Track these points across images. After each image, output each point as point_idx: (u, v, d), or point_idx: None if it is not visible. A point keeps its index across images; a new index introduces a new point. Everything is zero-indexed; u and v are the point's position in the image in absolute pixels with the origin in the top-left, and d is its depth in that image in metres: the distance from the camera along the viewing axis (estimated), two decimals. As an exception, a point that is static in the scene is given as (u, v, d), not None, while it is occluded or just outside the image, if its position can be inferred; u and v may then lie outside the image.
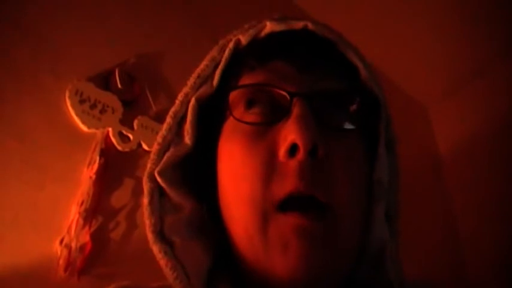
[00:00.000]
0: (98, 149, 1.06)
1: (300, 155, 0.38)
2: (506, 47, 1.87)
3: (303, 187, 0.37)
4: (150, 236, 0.43)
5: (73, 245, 0.95)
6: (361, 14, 1.78)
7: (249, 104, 0.43)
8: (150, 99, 1.20)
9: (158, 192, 0.45)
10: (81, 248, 0.96)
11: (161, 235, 0.43)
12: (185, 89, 0.48)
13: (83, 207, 0.98)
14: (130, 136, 1.14)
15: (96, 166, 1.03)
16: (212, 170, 0.45)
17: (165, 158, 0.45)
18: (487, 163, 1.87)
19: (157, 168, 0.45)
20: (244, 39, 0.47)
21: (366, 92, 0.46)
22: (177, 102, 0.48)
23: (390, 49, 1.90)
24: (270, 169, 0.39)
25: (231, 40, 0.48)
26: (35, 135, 1.00)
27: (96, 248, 0.98)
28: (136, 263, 1.01)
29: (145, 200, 0.44)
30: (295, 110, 0.39)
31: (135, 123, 1.16)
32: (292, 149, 0.38)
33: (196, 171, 0.47)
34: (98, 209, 1.02)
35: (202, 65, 0.48)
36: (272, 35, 0.46)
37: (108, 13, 1.23)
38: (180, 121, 0.47)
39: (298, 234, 0.37)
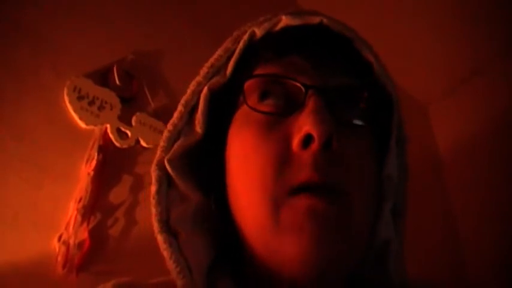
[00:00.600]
0: (96, 146, 1.06)
1: (315, 145, 0.37)
2: (505, 46, 1.87)
3: (317, 178, 0.37)
4: (155, 225, 0.42)
5: (71, 241, 0.94)
6: (361, 13, 1.77)
7: (263, 96, 0.43)
8: (149, 96, 1.20)
9: (166, 182, 0.45)
10: (80, 245, 0.96)
11: (167, 225, 0.42)
12: (197, 78, 0.48)
13: (81, 203, 0.98)
14: (129, 133, 1.14)
15: (94, 163, 1.03)
16: (221, 159, 0.45)
17: (175, 146, 0.45)
18: (487, 162, 1.87)
19: (168, 156, 0.45)
20: (259, 32, 0.47)
21: (379, 89, 0.46)
22: (189, 91, 0.48)
23: (390, 47, 1.89)
24: (283, 159, 0.39)
25: (245, 32, 0.48)
26: (33, 133, 1.00)
27: (95, 244, 0.98)
28: (135, 260, 1.01)
29: (153, 188, 0.44)
30: (310, 103, 0.39)
31: (133, 120, 1.15)
32: (307, 140, 0.38)
33: (204, 162, 0.47)
34: (96, 206, 1.02)
35: (216, 55, 0.48)
36: (287, 29, 0.46)
37: (107, 10, 1.23)
38: (191, 110, 0.47)
39: (312, 216, 0.36)
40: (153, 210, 0.43)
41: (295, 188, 0.38)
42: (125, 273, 0.99)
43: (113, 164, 1.08)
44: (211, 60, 0.48)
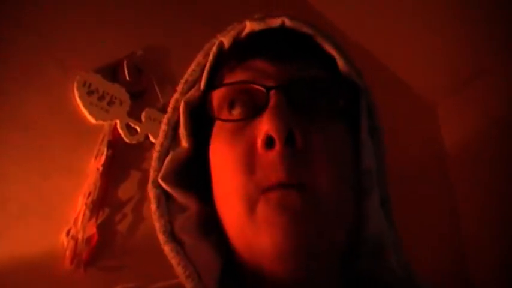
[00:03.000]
0: (105, 141, 1.05)
1: (277, 145, 0.38)
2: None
3: (285, 178, 0.38)
4: (161, 237, 0.43)
5: (79, 236, 0.94)
6: (369, 12, 1.77)
7: (231, 106, 0.44)
8: (158, 91, 1.20)
9: (164, 197, 0.46)
10: (88, 240, 0.96)
11: (172, 235, 0.43)
12: (175, 95, 0.50)
13: (90, 198, 0.98)
14: (138, 128, 1.14)
15: (103, 158, 1.03)
16: (208, 170, 0.46)
17: (165, 163, 0.46)
18: (494, 161, 1.86)
19: (160, 174, 0.46)
20: (226, 42, 0.48)
21: (346, 81, 0.46)
22: (169, 109, 0.50)
23: (397, 47, 1.90)
24: (250, 161, 0.40)
25: (214, 44, 0.49)
26: (43, 127, 1.00)
27: (103, 239, 0.98)
28: (143, 255, 1.01)
29: (152, 206, 0.45)
30: (271, 102, 0.40)
31: (143, 116, 1.15)
32: (270, 141, 0.39)
33: (197, 173, 0.48)
34: (104, 201, 1.02)
35: (189, 70, 0.50)
36: (252, 35, 0.48)
37: (118, 6, 1.23)
38: (175, 127, 0.49)
39: (281, 210, 0.38)
40: (157, 224, 0.44)
41: (267, 188, 0.39)
42: (132, 268, 0.99)
43: (122, 159, 1.08)
44: (186, 75, 0.50)
